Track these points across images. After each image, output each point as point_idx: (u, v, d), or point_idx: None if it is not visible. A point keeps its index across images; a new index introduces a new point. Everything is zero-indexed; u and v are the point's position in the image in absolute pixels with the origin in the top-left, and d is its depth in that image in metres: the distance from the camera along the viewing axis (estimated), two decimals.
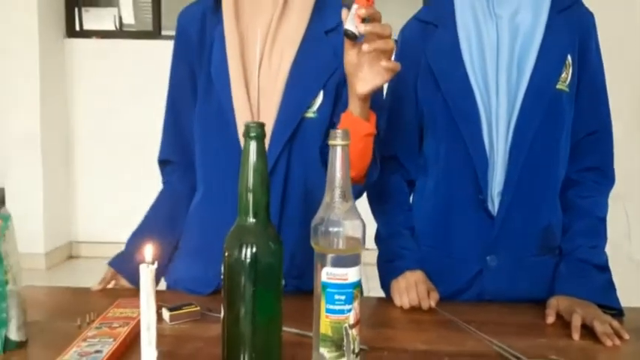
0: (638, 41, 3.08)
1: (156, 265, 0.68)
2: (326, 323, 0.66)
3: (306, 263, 0.77)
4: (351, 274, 0.65)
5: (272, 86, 0.98)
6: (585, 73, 1.04)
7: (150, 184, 4.51)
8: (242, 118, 0.97)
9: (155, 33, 4.04)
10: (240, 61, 0.99)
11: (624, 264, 3.27)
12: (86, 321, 0.87)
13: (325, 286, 0.65)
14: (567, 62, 1.01)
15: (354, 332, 0.66)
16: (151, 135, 4.08)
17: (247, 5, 1.01)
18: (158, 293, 1.02)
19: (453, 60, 1.03)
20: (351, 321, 0.66)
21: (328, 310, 0.65)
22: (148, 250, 0.68)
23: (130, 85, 3.92)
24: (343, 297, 0.65)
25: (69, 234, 3.99)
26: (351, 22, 0.83)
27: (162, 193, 1.17)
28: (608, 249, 1.06)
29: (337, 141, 0.68)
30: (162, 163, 1.17)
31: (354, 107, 0.91)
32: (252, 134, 0.66)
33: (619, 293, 1.00)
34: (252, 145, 0.66)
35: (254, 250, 0.65)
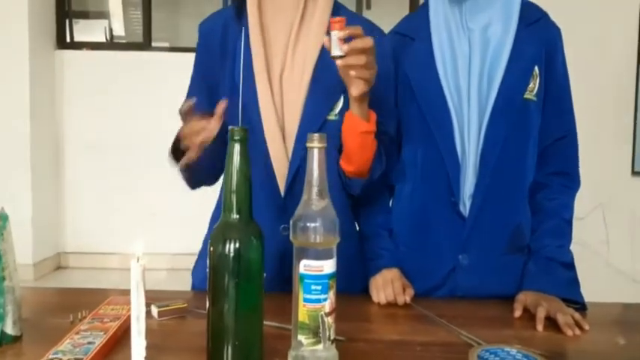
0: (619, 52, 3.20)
1: (145, 261, 0.73)
2: (303, 312, 0.71)
3: None
4: (326, 266, 0.71)
5: (296, 93, 1.04)
6: (552, 83, 1.11)
7: (139, 196, 4.53)
8: (269, 127, 1.04)
9: (145, 44, 4.09)
10: (265, 69, 1.04)
11: (603, 269, 3.36)
12: (78, 317, 0.91)
13: (303, 277, 0.71)
14: (534, 73, 1.08)
15: (329, 320, 0.71)
16: (141, 147, 4.14)
17: (270, 12, 1.06)
18: (149, 292, 1.07)
19: (427, 71, 1.10)
20: (327, 309, 0.71)
21: (306, 300, 0.71)
22: (138, 246, 0.74)
23: (120, 97, 3.95)
24: (319, 287, 0.71)
25: (57, 245, 3.99)
26: (335, 47, 0.90)
27: None
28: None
29: (314, 143, 0.74)
30: None
31: (353, 107, 0.98)
32: (237, 137, 0.72)
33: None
34: (236, 148, 0.72)
35: (237, 245, 0.71)
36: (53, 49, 4.00)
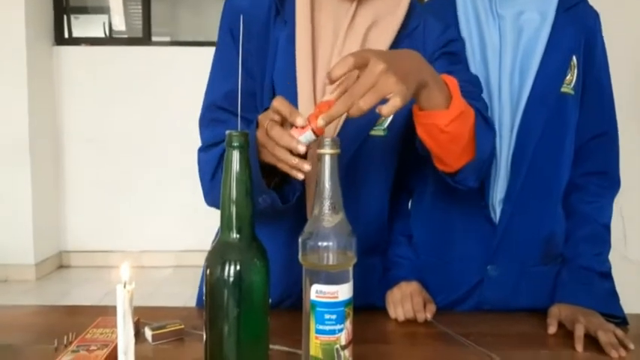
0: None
1: (133, 286, 0.64)
2: (316, 345, 0.61)
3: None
4: (342, 292, 0.61)
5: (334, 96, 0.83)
6: (590, 75, 1.00)
7: (141, 192, 4.48)
8: None
9: (145, 39, 3.99)
10: (311, 72, 0.87)
11: (620, 265, 3.24)
12: (63, 343, 0.82)
13: (314, 304, 0.61)
14: (572, 63, 0.97)
15: (346, 354, 0.62)
16: (143, 143, 4.08)
17: (322, 11, 0.89)
18: (144, 309, 0.99)
19: None
20: (343, 342, 0.62)
21: (318, 331, 0.61)
22: (124, 271, 0.64)
23: (120, 93, 3.87)
24: (334, 316, 0.61)
25: (59, 244, 3.93)
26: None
27: None
28: None
29: (326, 149, 0.64)
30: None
31: (419, 102, 0.75)
32: (235, 144, 0.62)
33: None
34: (235, 155, 0.62)
35: (238, 267, 0.61)
36: (51, 45, 3.92)
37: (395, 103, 0.65)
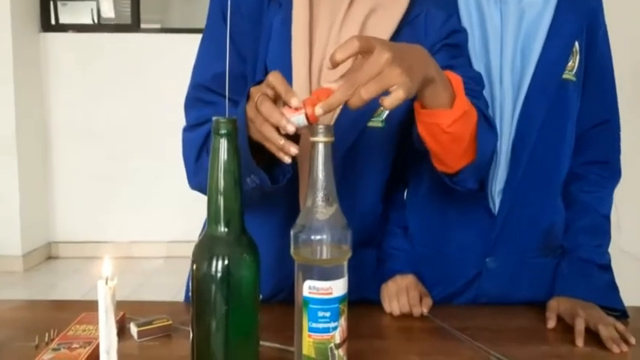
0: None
1: (115, 282, 0.60)
2: (309, 343, 0.58)
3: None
4: (336, 288, 0.58)
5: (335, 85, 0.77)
6: (592, 61, 0.97)
7: (132, 182, 4.42)
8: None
9: (134, 26, 3.91)
10: (308, 58, 0.83)
11: (615, 255, 3.25)
12: (44, 340, 0.79)
13: (307, 301, 0.58)
14: (575, 49, 0.94)
15: (340, 353, 0.59)
16: (132, 132, 4.02)
17: None
18: (130, 304, 0.95)
19: None
20: (337, 340, 0.58)
21: (311, 329, 0.58)
22: (106, 265, 0.61)
23: (108, 81, 3.80)
24: (328, 314, 0.58)
25: (47, 234, 3.87)
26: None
27: None
28: None
29: (319, 137, 0.60)
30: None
31: (422, 99, 0.71)
32: (223, 131, 0.58)
33: None
34: (223, 144, 0.58)
35: (226, 262, 0.57)
36: (37, 32, 3.83)
37: (398, 95, 0.62)
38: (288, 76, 0.82)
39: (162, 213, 3.81)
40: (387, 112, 0.86)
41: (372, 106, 0.81)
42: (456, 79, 0.73)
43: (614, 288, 0.95)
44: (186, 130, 0.87)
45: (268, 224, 0.87)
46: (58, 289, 3.29)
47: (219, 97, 0.83)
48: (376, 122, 0.87)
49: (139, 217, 3.83)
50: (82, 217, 3.85)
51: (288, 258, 0.62)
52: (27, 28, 3.71)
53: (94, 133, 3.82)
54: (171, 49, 3.73)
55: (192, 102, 0.88)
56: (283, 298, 0.91)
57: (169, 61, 3.67)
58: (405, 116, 0.86)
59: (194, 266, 0.59)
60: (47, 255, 3.86)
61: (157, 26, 4.13)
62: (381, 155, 0.91)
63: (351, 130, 0.85)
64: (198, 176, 0.85)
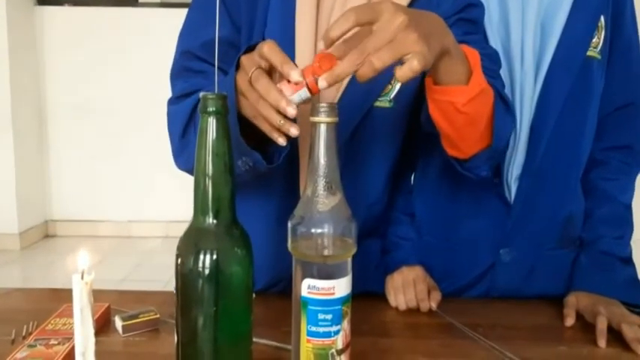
0: None
1: (93, 276, 0.54)
2: (307, 349, 0.52)
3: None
4: (339, 287, 0.51)
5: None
6: (619, 38, 0.89)
7: (130, 160, 4.35)
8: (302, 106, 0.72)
9: (132, 0, 3.80)
10: (313, 33, 0.75)
11: (637, 248, 3.16)
12: (22, 334, 0.73)
13: (306, 302, 0.51)
14: (600, 24, 0.86)
15: (342, 359, 0.52)
16: (130, 108, 3.93)
17: None
18: (116, 294, 0.89)
19: None
20: (339, 345, 0.52)
21: (310, 333, 0.51)
22: (82, 258, 0.54)
23: (105, 56, 3.70)
24: (329, 316, 0.51)
25: (44, 213, 3.81)
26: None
27: None
28: None
29: (321, 117, 0.53)
30: None
31: (435, 76, 0.64)
32: (212, 109, 0.51)
33: None
34: (211, 123, 0.51)
35: (214, 257, 0.51)
36: (32, 4, 3.73)
37: (412, 66, 0.53)
38: (290, 48, 0.74)
39: (161, 192, 3.75)
40: (395, 90, 0.79)
41: (379, 83, 0.73)
42: (473, 53, 0.66)
43: (636, 283, 0.88)
44: (171, 102, 0.80)
45: (264, 212, 0.80)
46: (55, 267, 3.25)
47: (209, 65, 0.76)
48: (384, 102, 0.79)
49: (138, 196, 3.77)
50: (80, 195, 3.80)
51: (287, 250, 0.56)
52: (22, 1, 3.61)
53: (92, 109, 3.74)
54: (171, 24, 3.61)
55: (179, 71, 0.80)
56: (282, 289, 0.85)
57: (168, 37, 3.55)
58: (416, 94, 0.79)
59: (179, 261, 0.52)
60: (44, 233, 3.81)
61: (157, 0, 4.02)
62: (388, 138, 0.84)
63: (356, 110, 0.77)
64: (184, 154, 0.78)
